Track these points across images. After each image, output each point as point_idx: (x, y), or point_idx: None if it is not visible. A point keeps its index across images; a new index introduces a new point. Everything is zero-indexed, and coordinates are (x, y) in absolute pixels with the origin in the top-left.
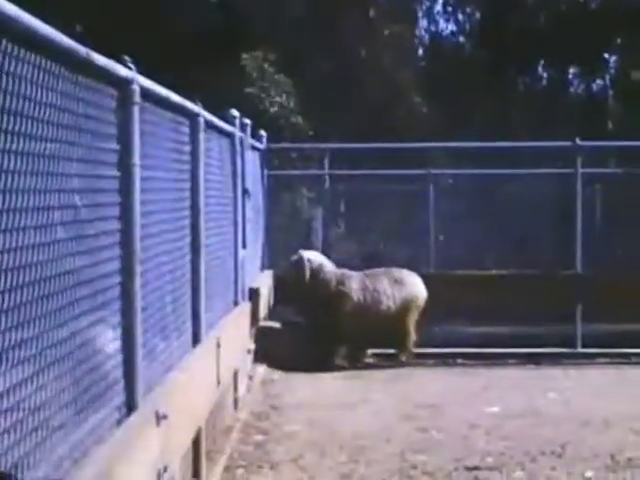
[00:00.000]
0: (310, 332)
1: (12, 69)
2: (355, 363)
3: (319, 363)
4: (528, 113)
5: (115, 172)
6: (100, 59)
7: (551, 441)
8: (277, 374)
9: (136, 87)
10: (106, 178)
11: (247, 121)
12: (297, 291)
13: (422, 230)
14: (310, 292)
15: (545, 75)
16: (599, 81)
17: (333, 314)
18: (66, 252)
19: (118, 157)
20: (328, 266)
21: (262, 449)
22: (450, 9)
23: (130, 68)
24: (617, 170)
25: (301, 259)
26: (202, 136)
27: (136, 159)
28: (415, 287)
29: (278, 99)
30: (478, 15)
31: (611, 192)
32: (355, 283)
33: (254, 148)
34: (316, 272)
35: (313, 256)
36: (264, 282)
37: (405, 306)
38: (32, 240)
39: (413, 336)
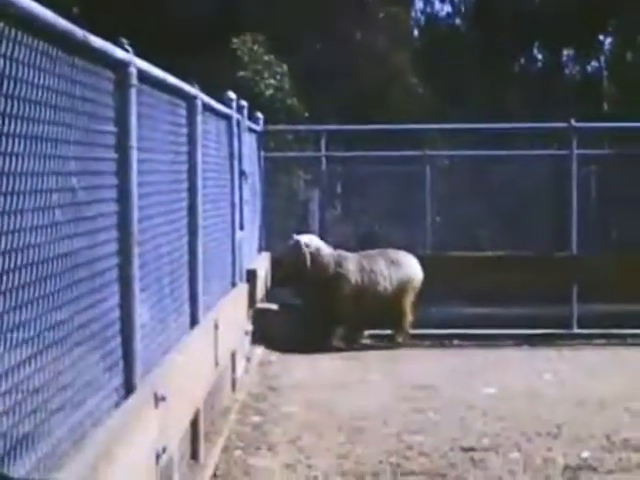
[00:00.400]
0: (308, 314)
1: (8, 52)
2: (352, 344)
3: (316, 344)
4: (523, 95)
5: (112, 154)
6: (97, 41)
7: (547, 422)
8: (274, 355)
9: (133, 69)
10: (103, 160)
11: (244, 103)
12: (295, 275)
13: (418, 211)
14: (308, 275)
15: (540, 57)
16: (594, 63)
17: (332, 296)
18: (64, 234)
19: (115, 139)
20: (325, 249)
21: (260, 430)
22: None
23: (127, 50)
24: (612, 151)
25: (298, 244)
26: (199, 118)
27: (133, 141)
28: (411, 268)
29: (272, 81)
30: None
31: (606, 173)
32: (352, 264)
33: (251, 130)
34: (314, 256)
35: (309, 240)
36: (261, 264)
37: (402, 287)
38: (30, 222)
39: (409, 317)
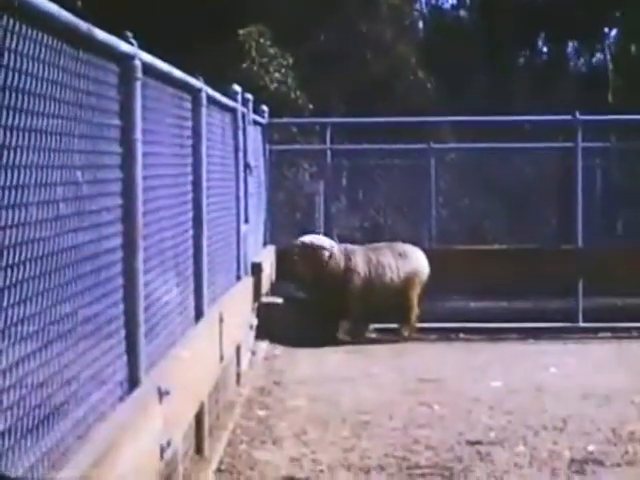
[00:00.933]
0: (316, 308)
1: (13, 45)
2: (358, 338)
3: (322, 338)
4: (528, 87)
5: (117, 148)
6: (101, 34)
7: (553, 415)
8: (279, 349)
9: (138, 62)
10: (108, 154)
11: (249, 96)
12: (307, 275)
13: (423, 204)
14: (319, 273)
15: (545, 49)
16: (599, 55)
17: (342, 290)
18: (68, 228)
19: (120, 133)
20: (335, 246)
21: (265, 424)
22: None
23: (132, 44)
24: (618, 144)
25: (317, 247)
26: (204, 111)
27: (138, 134)
28: (419, 261)
29: (277, 75)
30: None
31: (612, 166)
32: (360, 258)
33: (256, 123)
34: (328, 255)
35: (317, 239)
36: (266, 257)
37: (409, 280)
38: (35, 216)
39: (416, 310)
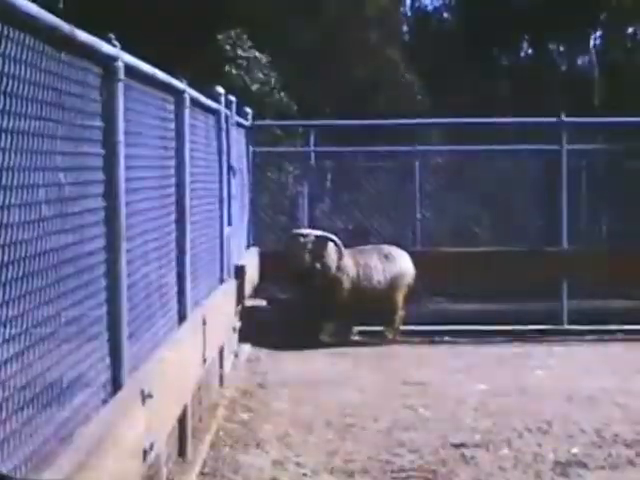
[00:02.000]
0: (303, 310)
1: None
2: (342, 340)
3: (306, 341)
4: (513, 89)
5: (99, 149)
6: (84, 36)
7: (537, 418)
8: (262, 352)
9: (120, 64)
10: (90, 155)
11: (232, 98)
12: (305, 268)
13: (408, 206)
14: (315, 270)
15: (530, 51)
16: (584, 57)
17: (333, 291)
18: (51, 230)
19: (102, 134)
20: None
21: (248, 427)
22: None
23: (115, 45)
24: (602, 146)
25: (325, 239)
26: (187, 113)
27: (121, 136)
28: (404, 264)
29: (260, 75)
30: None
31: (597, 168)
32: (349, 259)
33: (239, 125)
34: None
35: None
36: (250, 259)
37: (395, 282)
38: (16, 218)
39: (401, 313)
